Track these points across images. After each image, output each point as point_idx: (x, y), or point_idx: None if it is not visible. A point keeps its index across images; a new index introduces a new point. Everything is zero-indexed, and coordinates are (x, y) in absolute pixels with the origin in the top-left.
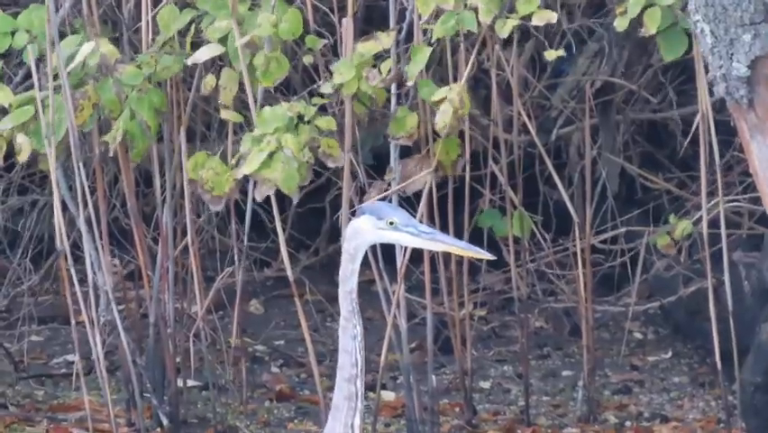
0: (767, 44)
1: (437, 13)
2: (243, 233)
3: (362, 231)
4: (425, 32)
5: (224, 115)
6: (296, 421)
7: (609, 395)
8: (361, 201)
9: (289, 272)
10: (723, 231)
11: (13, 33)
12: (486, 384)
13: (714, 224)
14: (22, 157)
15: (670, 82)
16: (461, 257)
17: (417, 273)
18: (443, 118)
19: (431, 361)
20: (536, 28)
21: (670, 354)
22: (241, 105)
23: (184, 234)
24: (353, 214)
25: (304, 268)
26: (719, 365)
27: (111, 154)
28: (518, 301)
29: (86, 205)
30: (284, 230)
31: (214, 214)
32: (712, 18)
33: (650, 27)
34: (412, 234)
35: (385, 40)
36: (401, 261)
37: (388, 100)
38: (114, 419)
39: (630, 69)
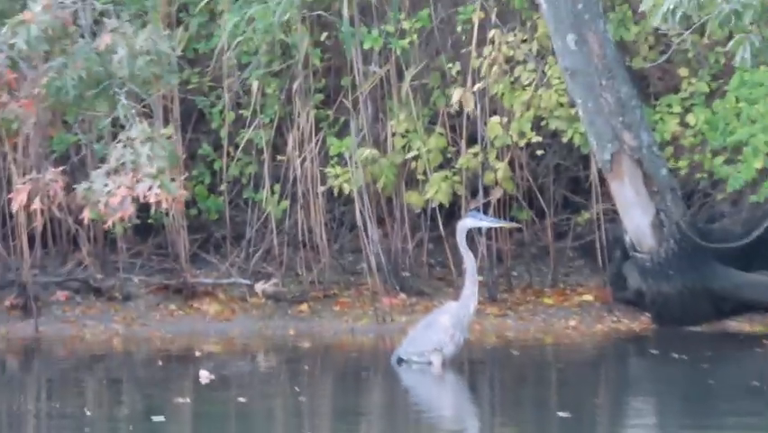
0: (617, 147)
1: None
2: None
3: (466, 223)
4: None
5: None
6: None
7: None
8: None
9: (443, 232)
10: (602, 217)
11: None
12: None
13: (599, 214)
14: None
15: (583, 163)
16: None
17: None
18: (493, 175)
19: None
20: None
21: None
22: None
23: None
24: (469, 211)
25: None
26: None
27: None
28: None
29: None
30: None
31: None
32: (592, 129)
33: None
34: (488, 221)
35: None
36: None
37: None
38: None
39: None
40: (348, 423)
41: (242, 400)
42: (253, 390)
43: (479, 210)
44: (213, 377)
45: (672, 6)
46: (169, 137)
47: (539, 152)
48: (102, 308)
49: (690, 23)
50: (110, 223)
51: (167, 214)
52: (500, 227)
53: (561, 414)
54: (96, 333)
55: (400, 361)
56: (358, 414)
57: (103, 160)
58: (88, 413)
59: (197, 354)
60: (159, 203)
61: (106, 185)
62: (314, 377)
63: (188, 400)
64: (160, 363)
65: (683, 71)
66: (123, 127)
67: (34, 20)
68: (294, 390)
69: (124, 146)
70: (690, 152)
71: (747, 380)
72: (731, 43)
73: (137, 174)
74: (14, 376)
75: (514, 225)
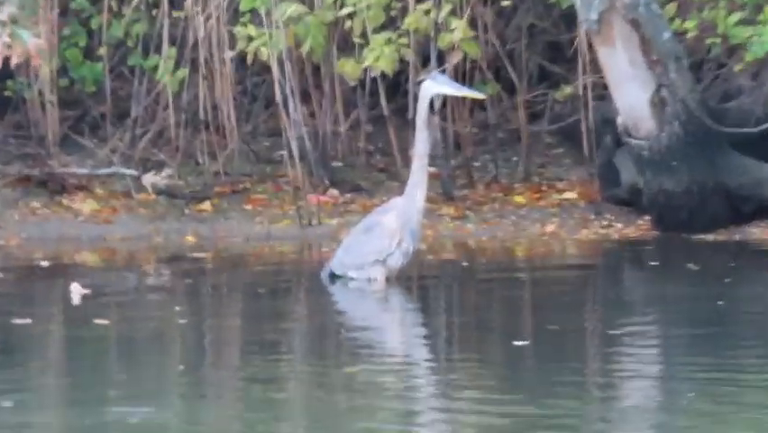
0: (607, 4)
1: None
2: None
3: (427, 88)
4: None
5: None
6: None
7: None
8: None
9: (385, 110)
10: (589, 93)
11: None
12: None
13: (585, 89)
14: None
15: (565, 23)
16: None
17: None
18: (451, 37)
19: None
20: None
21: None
22: None
23: None
24: (419, 82)
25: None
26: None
27: None
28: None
29: None
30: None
31: None
32: None
33: None
34: (452, 88)
35: None
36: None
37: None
38: None
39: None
40: (255, 376)
41: (103, 322)
42: (131, 315)
43: (444, 72)
44: (87, 292)
45: None
46: None
47: (507, 6)
48: None
49: None
50: None
51: (29, 84)
52: (464, 96)
53: (517, 343)
54: None
55: (333, 277)
56: (271, 354)
57: None
58: None
59: (66, 264)
60: (8, 58)
61: None
62: (215, 299)
63: (29, 321)
64: (13, 275)
65: None
66: None
67: None
68: (182, 318)
69: None
70: (700, 9)
71: None
72: None
73: None
74: None
75: (482, 95)
